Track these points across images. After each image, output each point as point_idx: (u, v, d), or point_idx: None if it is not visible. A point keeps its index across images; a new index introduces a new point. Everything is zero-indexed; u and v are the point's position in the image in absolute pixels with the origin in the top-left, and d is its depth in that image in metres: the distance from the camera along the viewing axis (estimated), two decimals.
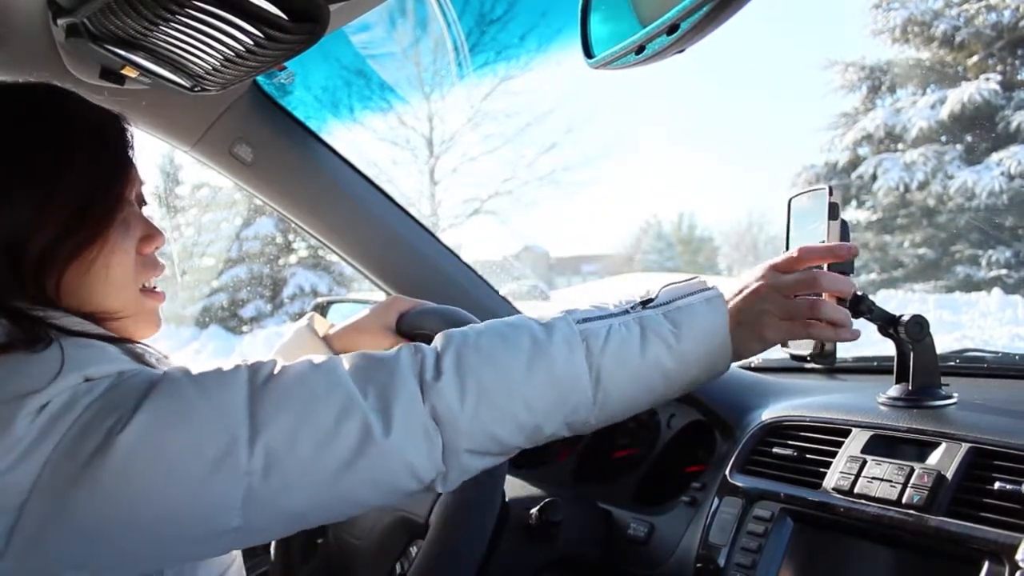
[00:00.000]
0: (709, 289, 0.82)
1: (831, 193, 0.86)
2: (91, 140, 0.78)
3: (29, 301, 0.71)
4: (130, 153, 0.80)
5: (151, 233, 0.82)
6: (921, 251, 10.52)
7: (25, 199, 0.72)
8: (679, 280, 0.84)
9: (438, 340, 0.75)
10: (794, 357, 0.91)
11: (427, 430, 0.70)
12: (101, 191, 0.77)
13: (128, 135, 0.81)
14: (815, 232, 0.87)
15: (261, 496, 0.64)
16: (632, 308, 0.80)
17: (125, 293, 0.79)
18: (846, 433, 0.96)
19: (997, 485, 0.78)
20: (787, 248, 0.92)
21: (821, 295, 0.81)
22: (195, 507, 0.63)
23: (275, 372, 0.69)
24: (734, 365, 1.44)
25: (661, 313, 0.79)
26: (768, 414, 1.10)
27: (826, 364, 0.87)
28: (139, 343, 0.79)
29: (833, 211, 0.86)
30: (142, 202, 0.84)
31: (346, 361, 0.72)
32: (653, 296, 0.81)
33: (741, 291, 0.82)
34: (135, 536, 0.63)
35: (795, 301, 0.80)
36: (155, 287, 0.84)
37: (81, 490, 0.60)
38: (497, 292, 1.63)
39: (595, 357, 0.75)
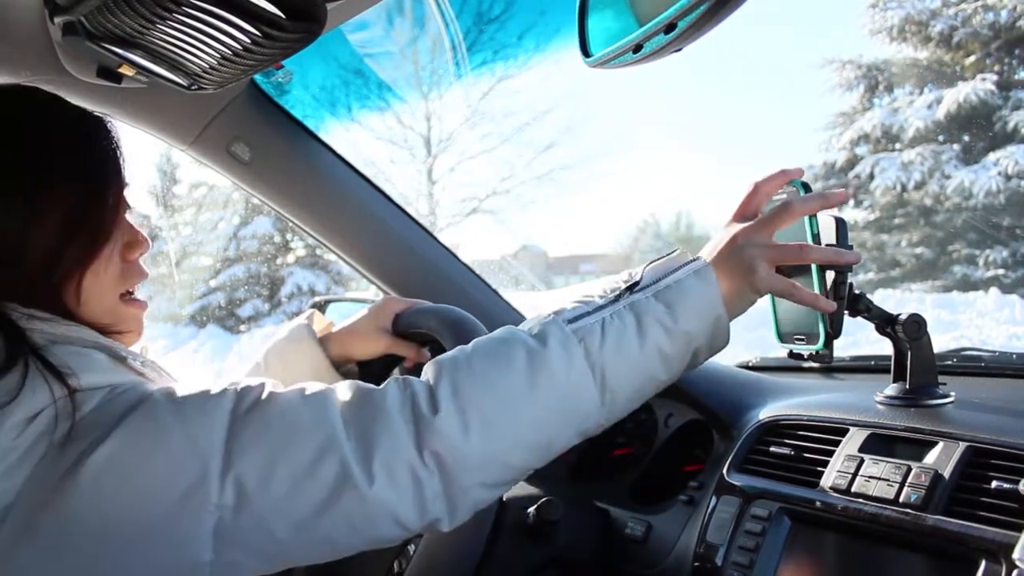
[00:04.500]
0: (695, 260, 0.79)
1: (807, 189, 0.86)
2: (77, 147, 0.76)
3: (27, 307, 0.70)
4: (118, 158, 0.78)
5: (136, 239, 0.81)
6: (918, 250, 10.53)
7: (18, 212, 0.71)
8: (660, 257, 0.81)
9: (428, 370, 0.72)
10: (792, 355, 0.91)
11: (415, 475, 0.66)
12: (93, 200, 0.75)
13: (114, 139, 0.78)
14: (800, 229, 0.87)
15: (232, 532, 0.62)
16: (620, 296, 0.77)
17: (105, 300, 0.77)
18: (843, 432, 0.96)
19: (994, 484, 0.78)
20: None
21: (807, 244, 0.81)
22: (165, 537, 0.60)
23: (262, 398, 0.66)
24: (733, 364, 1.45)
25: (651, 295, 0.76)
26: (765, 413, 1.10)
27: (823, 363, 0.87)
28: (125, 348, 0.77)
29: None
30: (127, 206, 0.81)
31: (339, 393, 0.69)
32: (638, 278, 0.79)
33: (716, 247, 0.80)
34: (104, 562, 0.60)
35: (782, 245, 0.79)
36: (135, 294, 0.81)
37: (50, 511, 0.59)
38: (496, 292, 1.63)
39: (595, 357, 0.72)
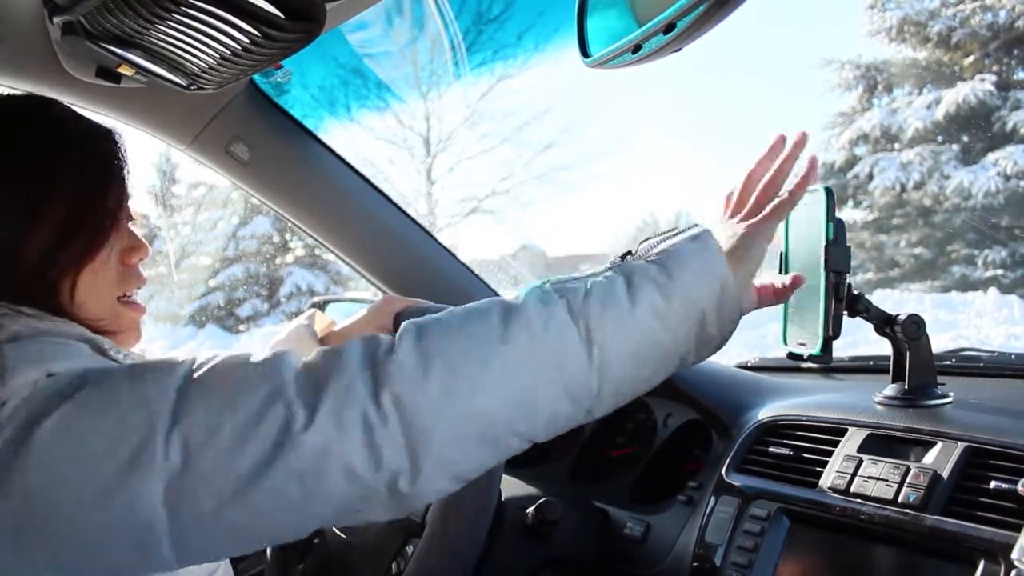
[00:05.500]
0: (692, 227, 0.75)
1: (830, 195, 0.86)
2: (80, 155, 0.76)
3: (16, 303, 0.70)
4: (123, 168, 0.78)
5: (135, 245, 0.81)
6: (917, 251, 10.54)
7: (15, 213, 0.72)
8: (656, 234, 0.77)
9: (402, 325, 0.67)
10: (791, 356, 0.91)
11: (366, 419, 0.60)
12: (91, 205, 0.75)
13: (120, 149, 0.79)
14: (814, 233, 0.87)
15: (182, 494, 0.59)
16: (611, 264, 0.73)
17: (103, 301, 0.77)
18: (842, 432, 0.96)
19: (993, 484, 0.79)
20: (785, 244, 0.93)
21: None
22: (117, 502, 0.58)
23: (217, 360, 0.64)
24: (731, 364, 1.45)
25: (642, 259, 0.72)
26: (764, 413, 1.10)
27: (823, 363, 0.87)
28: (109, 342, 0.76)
29: (831, 212, 0.86)
30: (129, 216, 0.82)
31: (301, 353, 0.66)
32: (632, 251, 0.76)
33: (725, 238, 0.77)
34: (67, 537, 0.59)
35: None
36: (133, 297, 0.82)
37: (6, 488, 0.58)
38: (495, 292, 1.63)
39: (578, 311, 0.66)
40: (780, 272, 0.93)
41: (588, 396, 0.67)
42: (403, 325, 0.67)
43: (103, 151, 0.78)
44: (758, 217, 0.77)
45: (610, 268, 0.71)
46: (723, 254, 0.72)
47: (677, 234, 0.74)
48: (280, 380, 0.62)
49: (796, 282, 0.78)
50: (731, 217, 0.80)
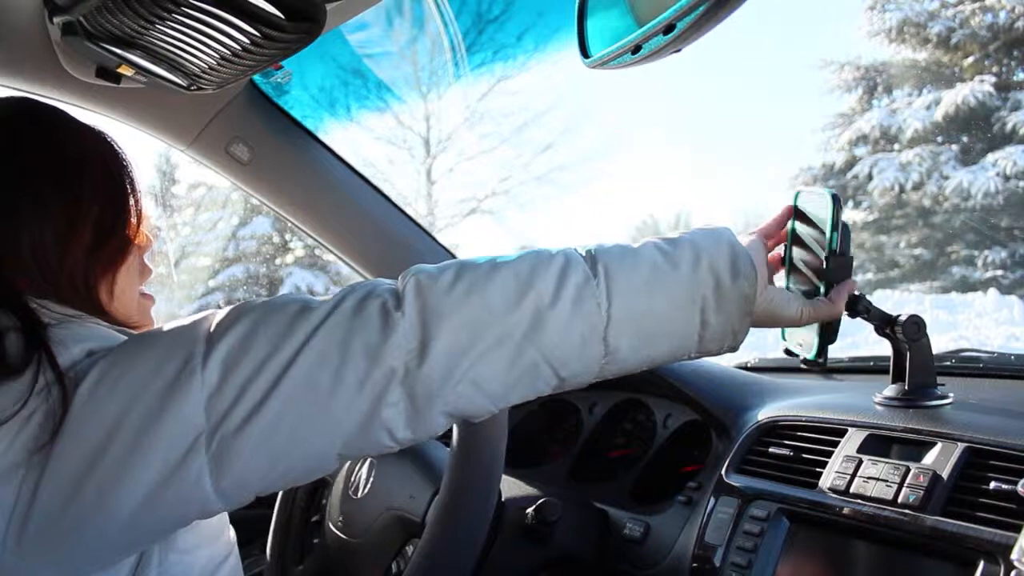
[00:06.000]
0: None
1: (837, 202, 0.86)
2: (104, 158, 0.79)
3: (61, 304, 0.73)
4: (132, 167, 0.82)
5: (143, 239, 0.85)
6: (917, 251, 10.55)
7: (56, 218, 0.74)
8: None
9: None
10: (787, 352, 0.92)
11: (385, 307, 0.66)
12: (122, 209, 0.79)
13: (122, 152, 0.82)
14: (819, 239, 0.87)
15: (221, 407, 0.62)
16: None
17: (130, 300, 0.82)
18: (842, 433, 0.96)
19: (993, 485, 0.79)
20: (789, 240, 0.93)
21: None
22: (161, 428, 0.61)
23: (241, 303, 0.69)
24: (731, 366, 1.45)
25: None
26: (764, 414, 1.10)
27: (817, 368, 0.87)
28: None
29: (837, 220, 0.86)
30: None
31: None
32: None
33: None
34: (115, 479, 0.61)
35: None
36: (144, 290, 0.86)
37: (56, 446, 0.61)
38: None
39: (585, 251, 0.74)
40: (784, 266, 0.94)
41: (598, 312, 0.70)
42: None
43: (117, 153, 0.81)
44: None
45: None
46: (732, 233, 0.78)
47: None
48: (307, 298, 0.68)
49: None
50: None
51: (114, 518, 0.62)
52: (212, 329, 0.66)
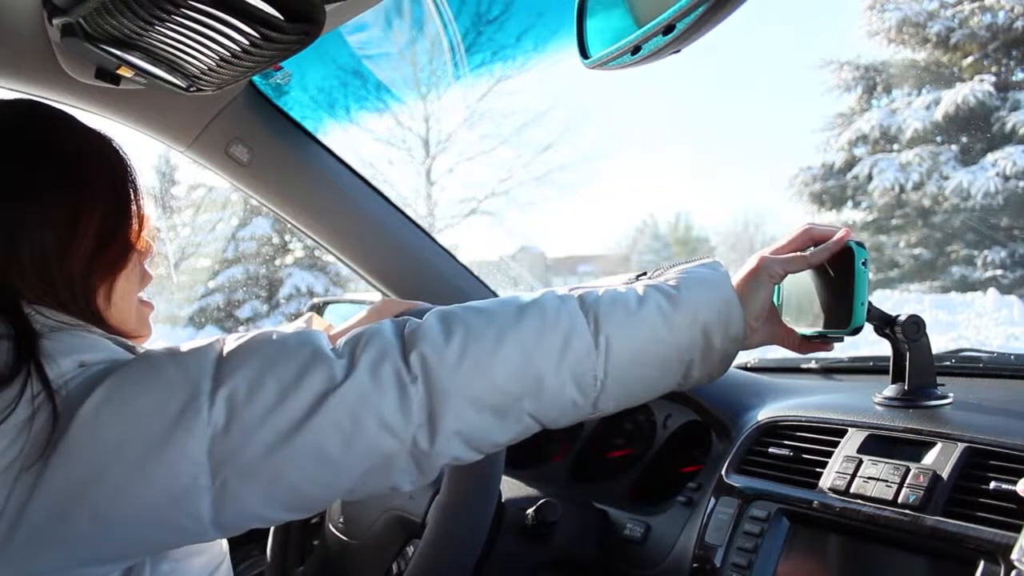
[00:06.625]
0: (705, 258, 0.82)
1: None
2: (105, 162, 0.79)
3: (59, 310, 0.72)
4: (135, 171, 0.81)
5: (144, 245, 0.83)
6: (917, 251, 10.55)
7: (58, 225, 0.73)
8: (671, 264, 0.84)
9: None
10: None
11: (400, 378, 0.66)
12: (125, 213, 0.78)
13: (125, 153, 0.81)
14: (838, 298, 0.87)
15: (225, 449, 0.62)
16: (628, 281, 0.80)
17: (132, 305, 0.81)
18: (842, 433, 0.96)
19: (992, 485, 0.79)
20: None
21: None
22: (161, 460, 0.61)
23: (252, 335, 0.69)
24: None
25: (654, 279, 0.79)
26: (764, 414, 1.10)
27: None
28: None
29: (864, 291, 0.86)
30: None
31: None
32: (646, 272, 0.83)
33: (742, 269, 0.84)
34: (108, 495, 0.61)
35: (790, 256, 0.83)
36: (143, 297, 0.85)
37: (50, 463, 0.60)
38: (494, 293, 1.63)
39: (589, 304, 0.73)
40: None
41: (593, 384, 0.72)
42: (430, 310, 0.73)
43: (120, 156, 0.80)
44: (773, 255, 0.83)
45: (625, 284, 0.78)
46: (730, 281, 0.79)
47: (688, 261, 0.82)
48: (319, 344, 0.67)
49: (819, 347, 0.88)
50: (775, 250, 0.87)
51: (106, 537, 0.62)
52: (220, 364, 0.65)
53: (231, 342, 0.68)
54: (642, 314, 0.73)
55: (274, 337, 0.68)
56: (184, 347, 0.68)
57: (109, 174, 0.78)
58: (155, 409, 0.62)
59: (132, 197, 0.79)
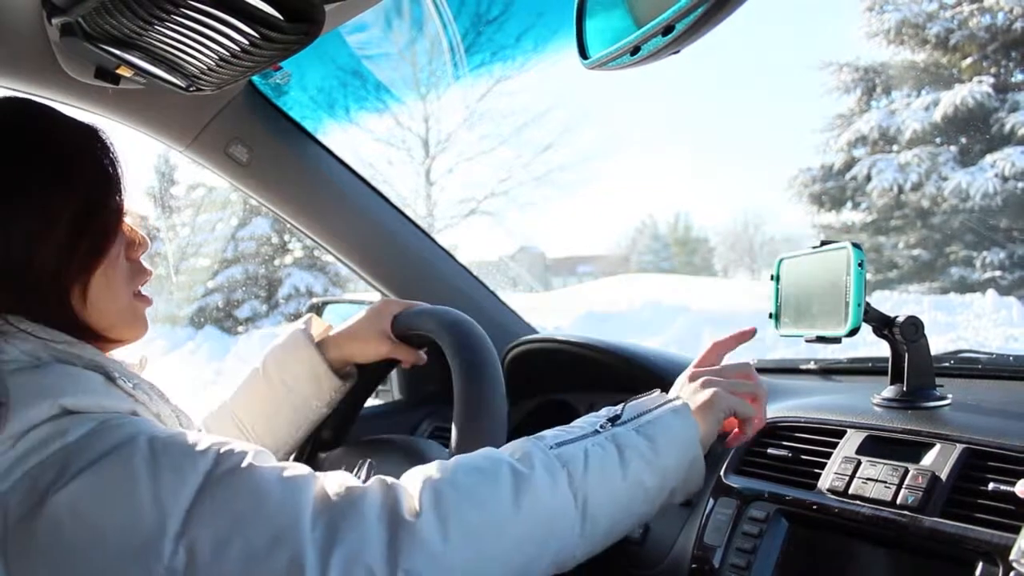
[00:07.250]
0: (673, 400, 0.86)
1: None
2: (84, 157, 0.76)
3: (33, 319, 0.71)
4: (118, 164, 0.79)
5: (135, 239, 0.82)
6: (915, 252, 10.56)
7: (29, 221, 0.72)
8: (640, 396, 0.87)
9: (411, 477, 0.71)
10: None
11: None
12: (96, 206, 0.76)
13: (110, 147, 0.79)
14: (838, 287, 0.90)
15: None
16: (602, 427, 0.81)
17: (121, 301, 0.79)
18: (841, 434, 0.96)
19: (991, 486, 0.79)
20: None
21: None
22: None
23: (240, 467, 0.65)
24: None
25: (633, 429, 0.81)
26: None
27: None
28: (115, 359, 0.78)
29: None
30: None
31: (322, 480, 0.68)
32: (619, 413, 0.84)
33: (683, 386, 0.91)
34: None
35: (737, 394, 0.90)
36: (142, 292, 0.83)
37: (21, 529, 0.60)
38: (494, 293, 1.63)
39: (578, 483, 0.74)
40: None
41: (566, 562, 0.75)
42: (417, 477, 0.70)
43: (101, 150, 0.78)
44: (712, 378, 0.91)
45: (600, 431, 0.80)
46: (698, 433, 0.84)
47: (661, 404, 0.85)
48: (297, 514, 0.63)
49: (756, 426, 0.94)
50: (697, 366, 0.95)
51: None
52: (195, 502, 0.62)
53: (217, 470, 0.64)
54: (626, 487, 0.77)
55: (259, 488, 0.64)
56: (168, 455, 0.64)
57: (83, 166, 0.76)
58: (118, 536, 0.60)
59: (109, 189, 0.77)
